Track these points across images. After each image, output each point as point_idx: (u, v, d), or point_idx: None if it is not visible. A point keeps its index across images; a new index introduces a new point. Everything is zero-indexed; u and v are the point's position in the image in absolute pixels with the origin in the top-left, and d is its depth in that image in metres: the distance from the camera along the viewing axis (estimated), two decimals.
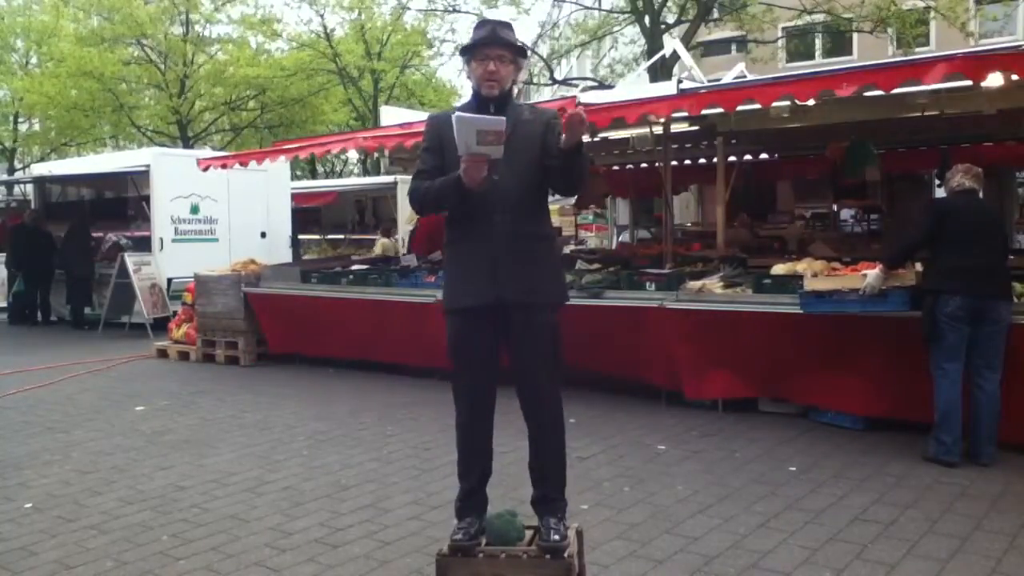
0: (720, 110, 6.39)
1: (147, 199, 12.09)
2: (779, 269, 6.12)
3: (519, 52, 3.27)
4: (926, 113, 6.85)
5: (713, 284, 6.38)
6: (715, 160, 8.34)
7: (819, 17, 18.54)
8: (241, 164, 9.75)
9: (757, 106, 6.03)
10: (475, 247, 3.18)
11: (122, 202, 13.69)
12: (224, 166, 9.84)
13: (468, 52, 3.25)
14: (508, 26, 3.27)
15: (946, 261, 4.94)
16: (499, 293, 3.13)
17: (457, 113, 2.97)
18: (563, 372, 3.32)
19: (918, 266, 5.29)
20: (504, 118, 2.97)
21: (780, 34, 21.49)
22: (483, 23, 3.29)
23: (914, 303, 5.08)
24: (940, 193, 11.24)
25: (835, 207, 12.17)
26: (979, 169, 5.23)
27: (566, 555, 3.05)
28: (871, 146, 8.62)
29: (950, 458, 4.85)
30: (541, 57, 21.91)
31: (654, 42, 17.84)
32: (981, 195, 5.30)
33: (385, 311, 7.91)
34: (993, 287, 4.92)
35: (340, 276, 8.67)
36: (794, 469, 4.92)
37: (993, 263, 4.97)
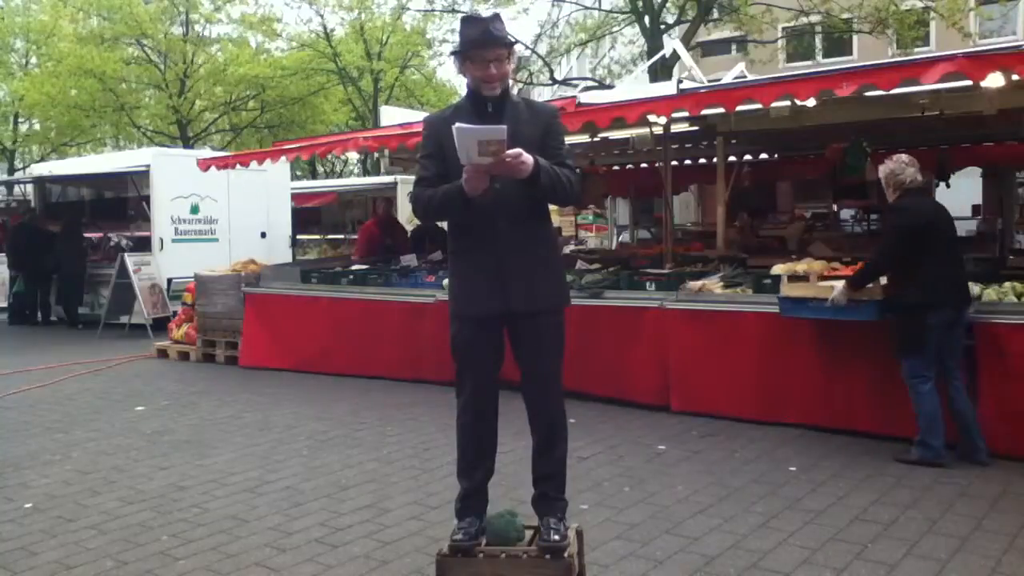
0: (720, 110, 6.39)
1: (147, 199, 12.10)
2: (779, 269, 6.12)
3: (512, 44, 3.15)
4: (926, 113, 6.85)
5: (713, 284, 6.38)
6: (715, 160, 8.34)
7: (817, 18, 18.53)
8: (241, 164, 9.75)
9: (757, 106, 6.03)
10: (480, 255, 3.15)
11: (122, 202, 13.70)
12: (224, 166, 9.84)
13: (462, 53, 3.12)
14: (498, 19, 3.13)
15: (929, 272, 4.88)
16: (507, 303, 3.12)
17: (457, 124, 2.88)
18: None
19: (883, 280, 5.22)
20: (505, 127, 2.88)
21: (780, 34, 21.47)
22: (473, 21, 3.14)
23: (881, 313, 5.09)
24: (939, 193, 11.27)
25: (835, 207, 12.17)
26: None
27: (566, 555, 3.05)
28: (864, 145, 8.62)
29: (940, 460, 4.87)
30: (541, 57, 21.90)
31: (654, 42, 17.83)
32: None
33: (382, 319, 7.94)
34: (968, 293, 5.02)
35: (340, 276, 8.68)
36: (794, 469, 4.93)
37: (963, 268, 5.05)
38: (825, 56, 23.75)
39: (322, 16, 25.52)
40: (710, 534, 3.96)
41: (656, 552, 3.76)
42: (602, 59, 24.51)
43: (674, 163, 9.67)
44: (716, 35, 23.17)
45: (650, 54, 17.05)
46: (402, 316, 7.76)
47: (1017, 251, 9.62)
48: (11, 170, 27.55)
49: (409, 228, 10.77)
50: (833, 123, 7.27)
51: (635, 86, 10.28)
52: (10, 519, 4.38)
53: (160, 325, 10.67)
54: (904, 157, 5.10)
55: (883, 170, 5.13)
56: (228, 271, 9.49)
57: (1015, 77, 5.06)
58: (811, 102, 6.28)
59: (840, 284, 5.20)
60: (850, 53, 24.01)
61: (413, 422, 6.28)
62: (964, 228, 11.95)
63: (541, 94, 23.59)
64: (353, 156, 26.03)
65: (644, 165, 11.50)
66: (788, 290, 5.57)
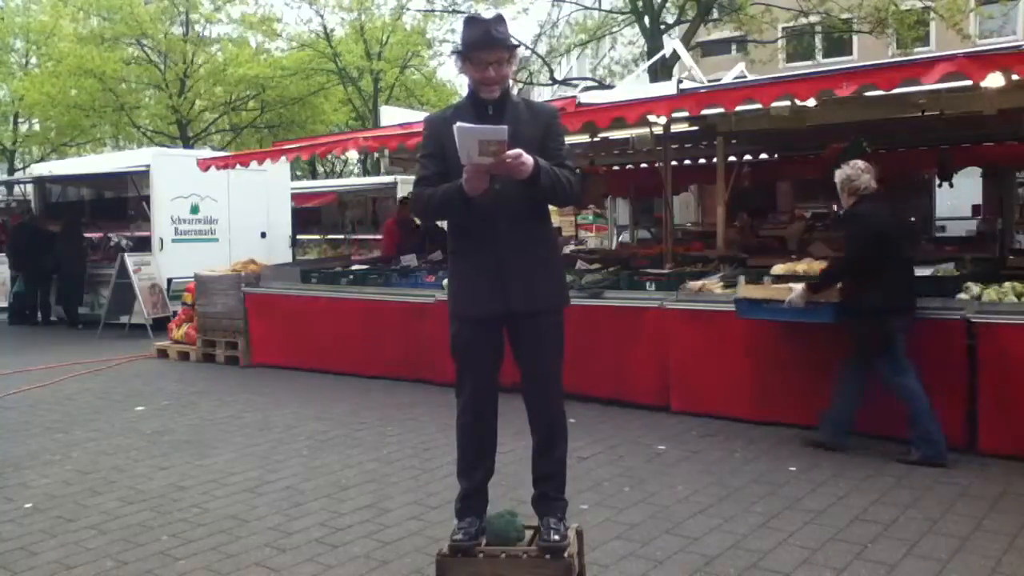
0: (720, 110, 6.38)
1: (147, 199, 12.10)
2: (779, 269, 6.12)
3: (515, 47, 3.14)
4: (926, 113, 6.85)
5: (713, 284, 6.38)
6: (715, 160, 8.34)
7: (817, 19, 18.55)
8: (241, 164, 9.75)
9: (757, 106, 6.03)
10: (480, 255, 3.15)
11: (122, 202, 13.71)
12: (224, 166, 9.84)
13: (463, 54, 3.10)
14: (501, 21, 3.10)
15: (894, 277, 4.97)
16: (507, 304, 3.12)
17: (458, 124, 2.87)
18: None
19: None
20: (506, 127, 2.87)
21: (780, 34, 21.48)
22: (475, 22, 3.10)
23: (838, 316, 5.12)
24: (941, 194, 11.23)
25: (835, 207, 12.17)
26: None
27: (566, 555, 3.05)
28: (864, 145, 8.61)
29: (942, 459, 4.86)
30: (541, 57, 21.90)
31: (654, 42, 17.84)
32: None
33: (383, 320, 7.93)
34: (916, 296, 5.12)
35: (340, 276, 8.68)
36: (794, 469, 4.92)
37: (913, 272, 5.15)
38: (825, 56, 23.76)
39: (322, 16, 25.61)
40: (710, 534, 3.96)
41: (656, 552, 3.76)
42: (602, 59, 24.52)
43: (674, 163, 9.67)
44: (716, 35, 23.18)
45: (650, 54, 17.06)
46: (402, 316, 7.77)
47: (1017, 251, 9.61)
48: (11, 170, 27.55)
49: None
50: (833, 123, 7.27)
51: (635, 86, 10.27)
52: (10, 519, 4.38)
53: (160, 325, 10.68)
54: (860, 163, 5.15)
55: (839, 175, 5.16)
56: (228, 271, 9.50)
57: (1015, 77, 5.06)
58: (811, 102, 6.28)
59: (799, 287, 5.25)
60: (850, 53, 24.02)
61: (413, 422, 6.28)
62: (964, 228, 11.95)
63: (541, 94, 23.60)
64: (353, 156, 26.00)
65: (644, 165, 11.49)
66: (744, 291, 5.63)
